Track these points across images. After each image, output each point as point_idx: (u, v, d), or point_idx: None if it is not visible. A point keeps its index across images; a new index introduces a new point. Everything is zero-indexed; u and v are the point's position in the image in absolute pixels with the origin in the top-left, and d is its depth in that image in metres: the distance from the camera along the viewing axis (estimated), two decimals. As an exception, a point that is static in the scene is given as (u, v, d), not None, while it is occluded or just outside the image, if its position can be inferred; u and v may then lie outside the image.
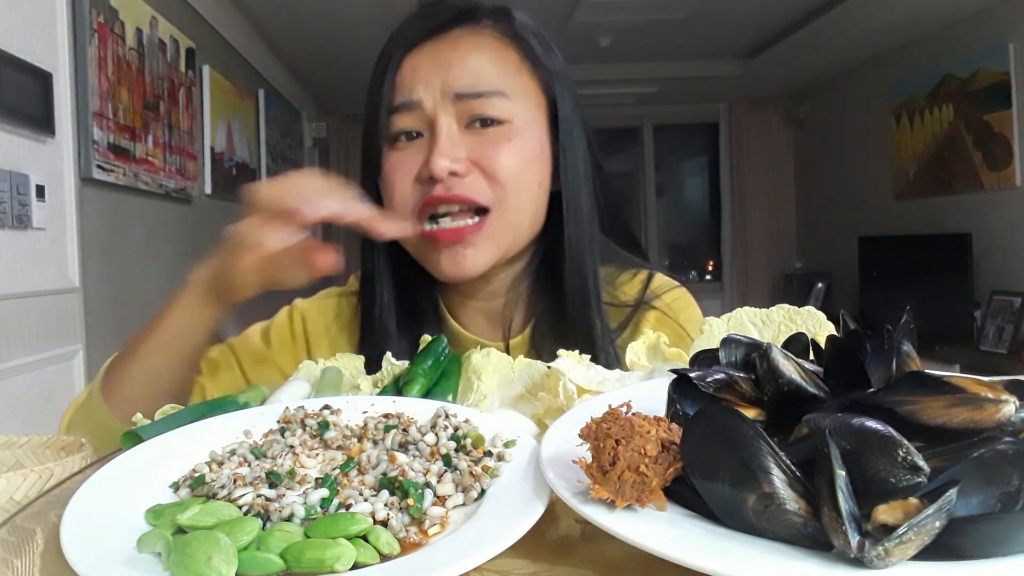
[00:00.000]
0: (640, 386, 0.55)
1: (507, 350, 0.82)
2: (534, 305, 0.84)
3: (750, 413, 0.40)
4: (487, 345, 0.77)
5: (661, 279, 0.87)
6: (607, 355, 0.79)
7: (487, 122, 0.76)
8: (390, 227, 0.71)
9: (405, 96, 0.76)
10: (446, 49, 0.77)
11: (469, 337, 0.84)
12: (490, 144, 0.75)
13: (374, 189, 0.80)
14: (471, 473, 0.42)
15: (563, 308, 0.80)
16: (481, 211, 0.76)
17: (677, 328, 0.83)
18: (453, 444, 0.46)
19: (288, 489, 0.42)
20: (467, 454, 0.45)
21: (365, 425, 0.50)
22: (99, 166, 2.08)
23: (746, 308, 0.66)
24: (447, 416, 0.49)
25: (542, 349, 0.80)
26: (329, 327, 0.87)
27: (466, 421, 0.49)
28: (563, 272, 0.80)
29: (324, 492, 0.40)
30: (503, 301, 0.85)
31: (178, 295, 0.74)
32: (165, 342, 0.74)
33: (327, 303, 0.90)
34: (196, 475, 0.43)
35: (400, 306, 0.83)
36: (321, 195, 0.68)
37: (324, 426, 0.50)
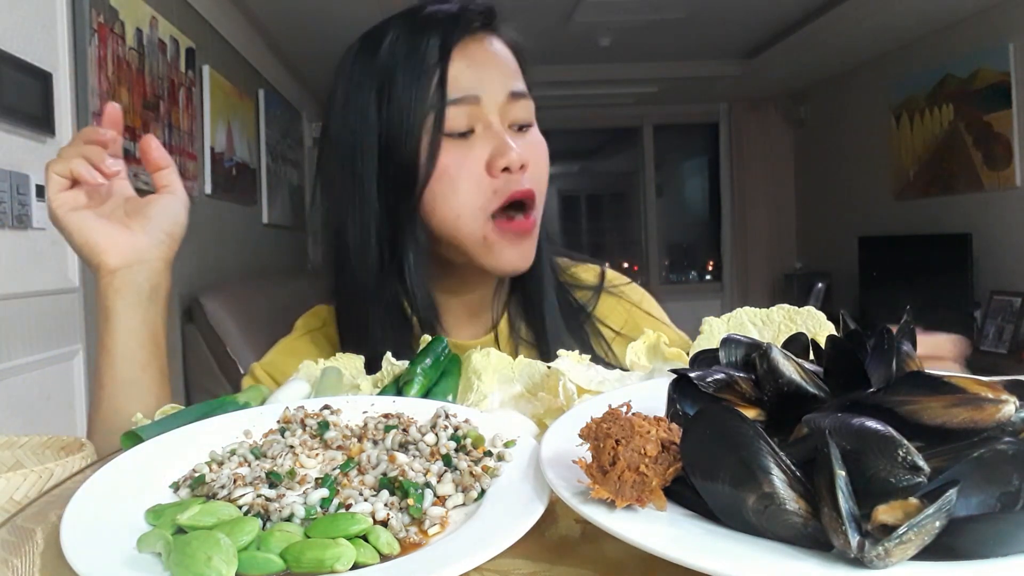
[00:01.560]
0: (640, 386, 0.55)
1: (496, 342, 0.86)
2: (505, 296, 0.88)
3: (750, 413, 0.40)
4: (466, 345, 0.78)
5: (612, 272, 0.95)
6: (581, 335, 0.85)
7: (521, 127, 0.80)
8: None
9: (466, 89, 0.76)
10: (487, 50, 0.80)
11: (452, 343, 0.83)
12: (533, 144, 0.81)
13: (400, 199, 0.78)
14: (471, 473, 0.42)
15: (532, 292, 0.86)
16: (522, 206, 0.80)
17: (633, 309, 0.91)
18: (453, 444, 0.46)
19: (288, 489, 0.42)
20: (467, 454, 0.45)
21: (365, 425, 0.50)
22: (99, 166, 2.08)
23: (746, 308, 0.66)
24: (447, 416, 0.49)
25: (518, 339, 0.85)
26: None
27: (466, 421, 0.49)
28: (537, 259, 0.84)
29: (324, 492, 0.40)
30: (483, 292, 0.88)
31: (101, 319, 0.74)
32: (127, 358, 0.74)
33: (283, 352, 0.88)
34: (196, 475, 0.43)
35: (390, 322, 0.81)
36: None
37: (324, 426, 0.50)
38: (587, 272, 0.94)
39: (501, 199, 0.77)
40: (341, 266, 0.83)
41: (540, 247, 0.85)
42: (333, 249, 0.83)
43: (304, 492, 0.41)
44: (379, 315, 0.80)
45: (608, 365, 0.65)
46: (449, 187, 0.77)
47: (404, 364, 0.63)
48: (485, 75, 0.78)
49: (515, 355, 0.79)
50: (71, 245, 0.73)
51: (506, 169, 0.76)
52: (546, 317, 0.84)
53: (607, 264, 0.97)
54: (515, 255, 0.79)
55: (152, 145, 0.76)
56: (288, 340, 0.90)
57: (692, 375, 0.41)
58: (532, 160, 0.79)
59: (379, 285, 0.81)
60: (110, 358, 0.74)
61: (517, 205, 0.78)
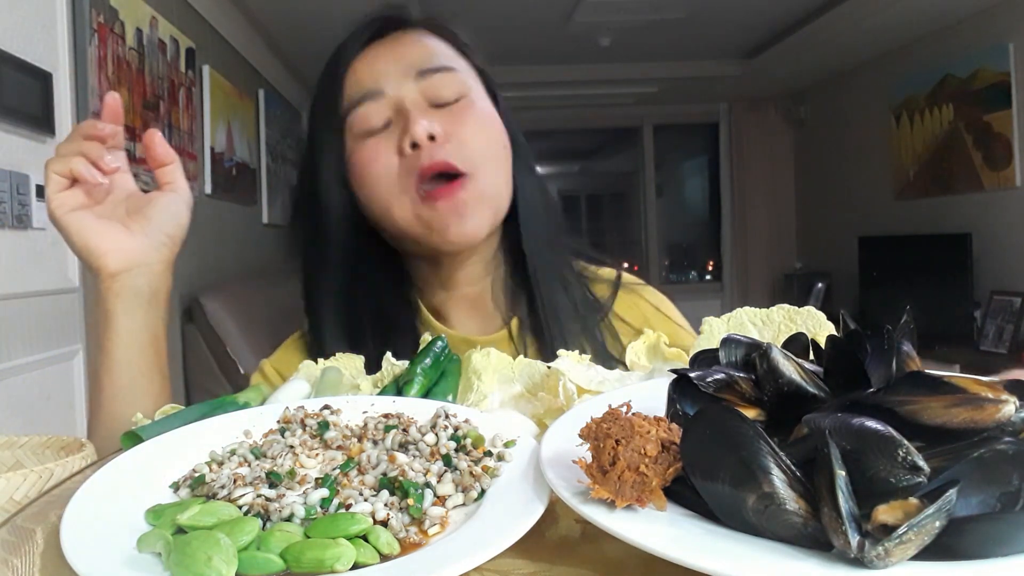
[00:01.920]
0: (640, 386, 0.55)
1: (510, 336, 0.85)
2: (515, 293, 0.87)
3: (750, 413, 0.40)
4: (476, 341, 0.80)
5: (628, 276, 0.94)
6: (591, 335, 0.84)
7: (443, 102, 0.79)
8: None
9: (367, 87, 0.79)
10: (393, 44, 0.81)
11: (457, 336, 0.84)
12: (457, 115, 0.79)
13: (338, 203, 0.81)
14: (471, 473, 0.42)
15: (538, 289, 0.85)
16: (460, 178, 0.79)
17: (651, 311, 0.89)
18: (453, 444, 0.46)
19: (288, 489, 0.42)
20: (467, 454, 0.45)
21: (365, 425, 0.50)
22: (99, 166, 2.08)
23: (746, 308, 0.66)
24: (447, 416, 0.49)
25: (528, 339, 0.84)
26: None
27: (466, 421, 0.49)
28: (532, 248, 0.85)
29: (324, 492, 0.40)
30: (485, 286, 0.87)
31: (101, 322, 0.74)
32: (126, 362, 0.74)
33: (292, 349, 0.89)
34: (196, 475, 0.43)
35: (380, 319, 0.83)
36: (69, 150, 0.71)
37: (324, 426, 0.50)
38: (604, 275, 0.94)
39: (413, 175, 0.77)
40: (313, 288, 0.86)
41: (543, 243, 0.85)
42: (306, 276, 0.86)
43: (304, 492, 0.41)
44: (369, 327, 0.82)
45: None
46: (369, 181, 0.79)
47: (404, 364, 0.63)
48: (386, 67, 0.79)
49: (527, 353, 0.82)
50: (70, 247, 0.73)
51: (415, 146, 0.76)
52: (559, 314, 0.84)
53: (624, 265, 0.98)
54: (456, 224, 0.77)
55: (156, 140, 0.75)
56: (297, 337, 0.90)
57: (692, 375, 0.41)
58: (453, 131, 0.78)
59: (359, 299, 0.83)
60: (109, 362, 0.73)
61: (441, 177, 0.77)
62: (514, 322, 0.86)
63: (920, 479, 0.31)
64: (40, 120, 1.78)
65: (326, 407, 0.53)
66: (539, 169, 0.93)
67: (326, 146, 0.81)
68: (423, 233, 0.79)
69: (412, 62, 0.79)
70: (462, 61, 0.84)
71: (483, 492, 0.42)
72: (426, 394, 0.59)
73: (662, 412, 0.41)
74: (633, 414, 0.37)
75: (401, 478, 0.41)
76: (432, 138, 0.76)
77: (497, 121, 0.83)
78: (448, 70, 0.80)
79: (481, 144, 0.80)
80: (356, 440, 0.48)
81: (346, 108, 0.79)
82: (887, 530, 0.29)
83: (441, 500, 0.40)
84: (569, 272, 0.89)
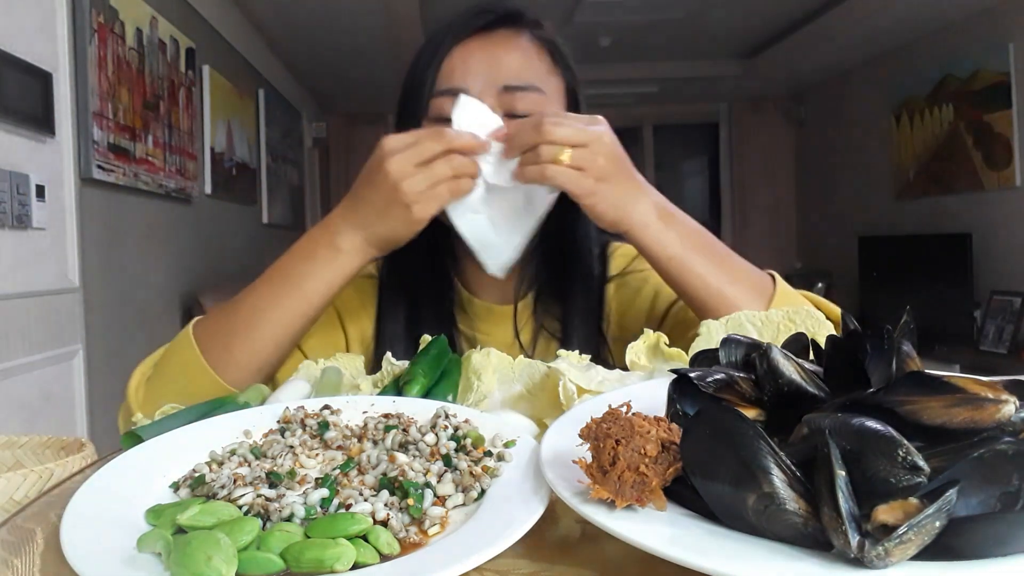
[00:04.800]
0: (640, 386, 0.55)
1: (514, 312, 0.89)
2: (539, 265, 0.91)
3: (750, 413, 0.40)
4: (495, 308, 0.90)
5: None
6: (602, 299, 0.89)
7: (522, 115, 0.81)
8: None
9: (454, 82, 0.82)
10: (493, 46, 0.84)
11: (480, 303, 0.91)
12: None
13: None
14: (471, 473, 0.42)
15: (564, 267, 0.89)
16: None
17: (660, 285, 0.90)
18: (453, 444, 0.46)
19: (288, 489, 0.42)
20: (467, 454, 0.45)
21: (365, 425, 0.50)
22: (99, 166, 2.08)
23: (745, 310, 0.66)
24: (447, 416, 0.49)
25: (547, 308, 0.89)
26: (352, 299, 0.91)
27: (466, 421, 0.49)
28: (571, 237, 0.89)
29: (324, 492, 0.40)
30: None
31: (317, 247, 0.76)
32: (307, 293, 0.75)
33: (347, 285, 0.93)
34: (196, 475, 0.43)
35: (423, 279, 0.89)
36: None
37: (324, 426, 0.50)
38: (622, 250, 0.96)
39: None
40: None
41: (582, 247, 0.89)
42: None
43: (304, 492, 0.41)
44: (420, 262, 0.88)
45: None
46: None
47: (404, 364, 0.63)
48: (478, 69, 0.82)
49: (536, 331, 0.88)
50: (397, 230, 0.74)
51: None
52: (574, 302, 0.88)
53: None
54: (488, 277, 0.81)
55: None
56: (362, 277, 0.95)
57: (692, 375, 0.41)
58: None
59: (408, 258, 0.86)
60: (316, 301, 0.76)
61: None
62: (528, 299, 0.90)
63: (920, 479, 0.31)
64: (40, 120, 1.78)
65: (326, 407, 0.53)
66: None
67: (410, 117, 0.84)
68: (460, 249, 0.83)
69: (503, 72, 0.82)
70: (553, 78, 0.87)
71: (483, 492, 0.42)
72: (426, 394, 0.59)
73: (662, 412, 0.41)
74: (633, 414, 0.37)
75: (401, 478, 0.41)
76: None
77: None
78: (534, 90, 0.83)
79: None
80: (356, 440, 0.48)
81: (433, 93, 0.82)
82: (887, 530, 0.29)
83: (441, 500, 0.40)
84: (597, 264, 0.93)
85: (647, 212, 0.76)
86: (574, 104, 0.90)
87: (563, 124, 0.72)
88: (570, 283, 0.89)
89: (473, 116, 0.76)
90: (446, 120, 0.79)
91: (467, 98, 0.77)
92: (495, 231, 0.77)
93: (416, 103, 0.83)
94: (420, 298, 0.89)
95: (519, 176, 0.74)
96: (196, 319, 0.80)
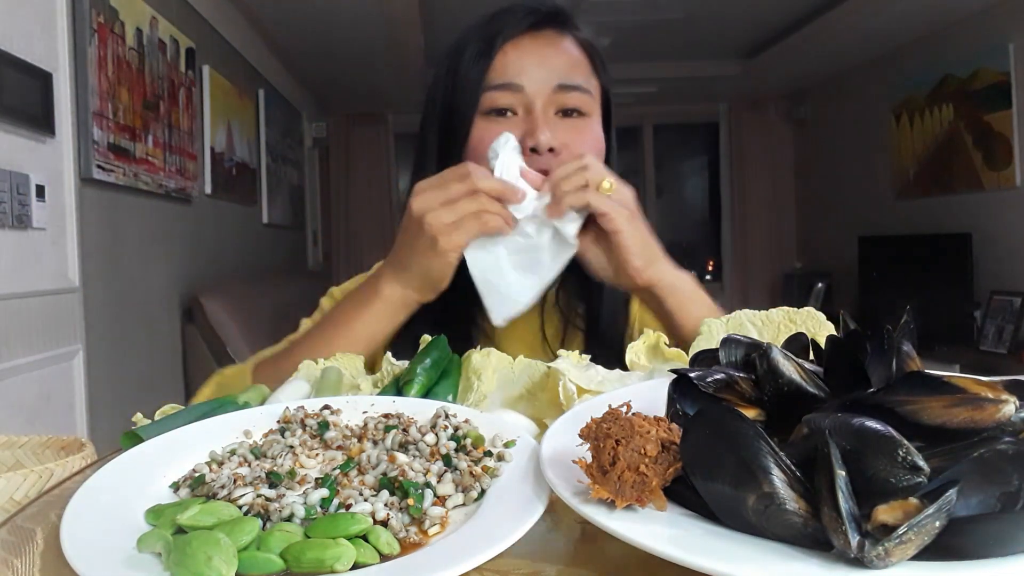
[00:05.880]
0: (640, 386, 0.55)
1: (542, 306, 0.90)
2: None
3: (750, 413, 0.40)
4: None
5: None
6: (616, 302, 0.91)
7: (570, 112, 0.86)
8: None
9: (510, 77, 0.85)
10: (546, 45, 0.87)
11: None
12: (578, 132, 0.85)
13: (447, 160, 0.85)
14: (471, 473, 0.42)
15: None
16: None
17: None
18: (453, 444, 0.46)
19: (288, 489, 0.42)
20: (467, 454, 0.45)
21: (365, 425, 0.50)
22: (99, 166, 2.08)
23: (745, 310, 0.66)
24: (447, 416, 0.49)
25: (568, 307, 0.91)
26: None
27: (466, 421, 0.49)
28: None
29: (324, 492, 0.40)
30: None
31: (365, 296, 0.80)
32: (354, 341, 0.78)
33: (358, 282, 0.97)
34: (196, 475, 0.43)
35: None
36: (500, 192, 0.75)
37: (324, 426, 0.50)
38: None
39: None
40: None
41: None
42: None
43: (304, 492, 0.41)
44: None
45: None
46: (479, 155, 0.83)
47: (404, 364, 0.63)
48: (533, 66, 0.85)
49: (562, 325, 0.91)
50: (434, 274, 0.76)
51: (534, 150, 0.82)
52: (598, 296, 0.89)
53: None
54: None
55: None
56: (365, 274, 0.96)
57: (692, 375, 0.41)
58: (570, 142, 0.83)
59: None
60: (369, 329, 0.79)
61: None
62: (550, 294, 0.91)
63: (920, 479, 0.31)
64: (40, 120, 1.78)
65: (326, 407, 0.53)
66: None
67: (463, 106, 0.85)
68: None
69: (557, 71, 0.85)
70: (594, 80, 0.90)
71: (483, 492, 0.42)
72: (426, 394, 0.59)
73: (662, 412, 0.41)
74: (633, 414, 0.37)
75: (401, 478, 0.41)
76: (551, 150, 0.82)
77: (602, 143, 0.89)
78: (584, 91, 0.86)
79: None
80: (356, 440, 0.48)
81: (486, 86, 0.84)
82: (887, 530, 0.29)
83: (441, 500, 0.40)
84: None
85: (668, 261, 0.81)
86: (607, 106, 0.92)
87: (604, 167, 0.77)
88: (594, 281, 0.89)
89: (508, 162, 0.77)
90: (499, 111, 0.84)
91: (509, 140, 0.78)
92: (511, 269, 0.77)
93: (466, 97, 0.85)
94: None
95: (554, 210, 0.75)
96: (256, 363, 0.83)
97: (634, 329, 0.92)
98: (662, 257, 0.80)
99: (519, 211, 0.76)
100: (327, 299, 0.96)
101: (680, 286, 0.79)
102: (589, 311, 0.91)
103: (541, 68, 0.85)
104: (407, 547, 0.37)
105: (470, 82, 0.85)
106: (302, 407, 0.52)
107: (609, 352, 0.84)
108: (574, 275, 0.89)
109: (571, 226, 0.76)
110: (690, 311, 0.78)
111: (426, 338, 0.67)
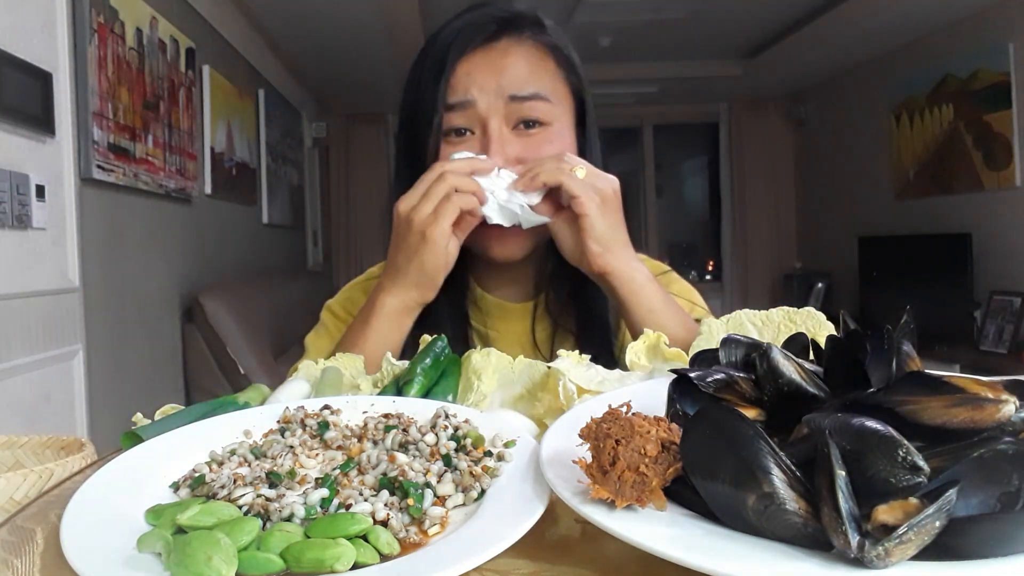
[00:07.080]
0: (640, 386, 0.55)
1: (533, 309, 0.91)
2: (552, 268, 0.92)
3: (750, 413, 0.40)
4: (508, 305, 0.92)
5: (652, 262, 0.97)
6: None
7: (531, 124, 0.84)
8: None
9: (461, 96, 0.83)
10: (497, 57, 0.85)
11: (493, 300, 0.92)
12: (535, 145, 0.84)
13: (412, 178, 0.85)
14: (471, 473, 0.42)
15: (572, 275, 0.90)
16: None
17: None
18: (453, 444, 0.46)
19: (288, 489, 0.42)
20: (467, 454, 0.45)
21: (365, 425, 0.50)
22: (99, 166, 2.08)
23: (745, 310, 0.66)
24: (447, 416, 0.49)
25: (559, 311, 0.90)
26: (360, 301, 0.93)
27: (466, 421, 0.49)
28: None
29: (324, 492, 0.40)
30: (527, 267, 0.93)
31: (371, 306, 0.81)
32: (366, 351, 0.78)
33: (356, 289, 0.97)
34: (196, 475, 0.43)
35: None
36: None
37: (324, 426, 0.50)
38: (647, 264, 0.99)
39: None
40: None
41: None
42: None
43: (304, 492, 0.41)
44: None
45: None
46: None
47: (404, 364, 0.63)
48: (484, 82, 0.83)
49: (552, 329, 0.90)
50: (435, 269, 0.78)
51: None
52: (589, 300, 0.89)
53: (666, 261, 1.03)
54: (498, 248, 0.85)
55: None
56: (360, 280, 0.98)
57: (692, 375, 0.41)
58: (525, 159, 0.82)
59: None
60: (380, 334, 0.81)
61: None
62: (541, 299, 0.92)
63: (920, 479, 0.31)
64: (40, 120, 1.78)
65: (326, 407, 0.53)
66: None
67: (423, 128, 0.85)
68: (468, 241, 0.83)
69: (509, 83, 0.83)
70: (559, 83, 0.87)
71: (483, 492, 0.42)
72: (426, 394, 0.59)
73: (662, 412, 0.41)
74: (633, 414, 0.37)
75: (401, 478, 0.41)
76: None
77: (573, 150, 0.87)
78: (540, 99, 0.84)
79: None
80: (356, 440, 0.48)
81: (442, 107, 0.84)
82: (887, 530, 0.29)
83: (441, 500, 0.40)
84: None
85: (629, 253, 0.81)
86: (581, 107, 0.90)
87: (581, 159, 0.79)
88: (587, 282, 0.89)
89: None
90: (458, 131, 0.84)
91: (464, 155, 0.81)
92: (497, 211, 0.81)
93: (425, 117, 0.84)
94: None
95: (527, 183, 0.77)
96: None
97: (624, 332, 0.92)
98: (623, 247, 0.80)
99: (493, 194, 0.79)
100: (326, 313, 0.96)
101: (635, 277, 0.79)
102: (579, 315, 0.91)
103: (491, 82, 0.83)
104: (407, 547, 0.37)
105: (426, 104, 0.84)
106: (302, 407, 0.52)
107: (599, 356, 0.85)
108: (564, 279, 0.90)
109: (534, 198, 0.79)
110: (640, 302, 0.78)
111: (426, 338, 0.67)
